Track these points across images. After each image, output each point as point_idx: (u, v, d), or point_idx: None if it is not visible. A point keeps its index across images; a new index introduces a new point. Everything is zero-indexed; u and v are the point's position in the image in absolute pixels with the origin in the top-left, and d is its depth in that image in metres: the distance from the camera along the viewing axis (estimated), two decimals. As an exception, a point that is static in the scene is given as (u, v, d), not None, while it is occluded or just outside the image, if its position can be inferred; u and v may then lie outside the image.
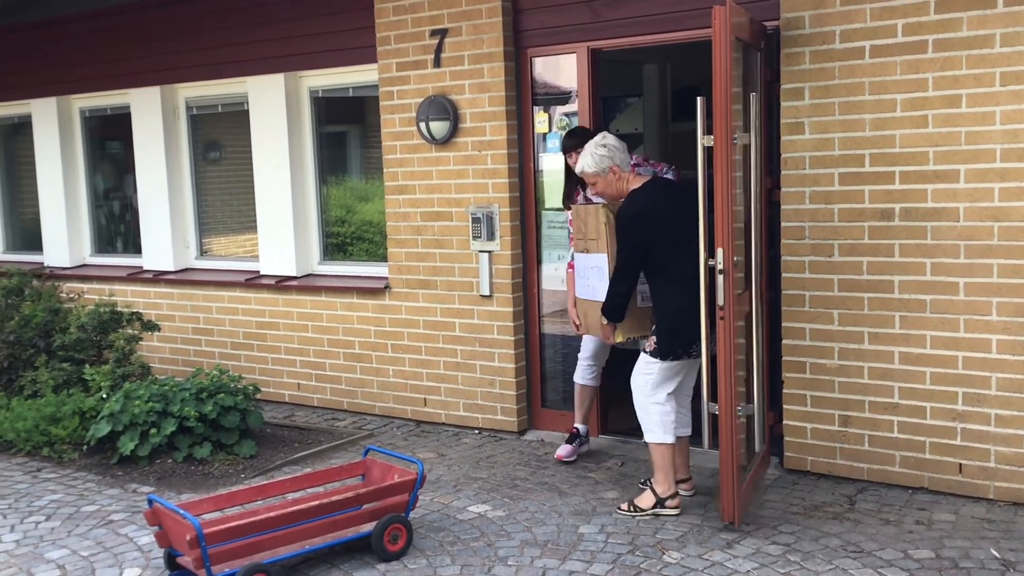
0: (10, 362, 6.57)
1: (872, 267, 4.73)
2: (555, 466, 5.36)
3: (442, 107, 5.90)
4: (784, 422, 5.05)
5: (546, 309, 6.02)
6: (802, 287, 4.91)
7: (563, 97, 5.82)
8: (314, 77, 6.76)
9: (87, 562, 4.32)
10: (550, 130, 5.82)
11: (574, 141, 5.09)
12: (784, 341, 4.99)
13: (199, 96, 7.41)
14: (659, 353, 4.49)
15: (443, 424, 6.22)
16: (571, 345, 6.01)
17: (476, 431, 6.07)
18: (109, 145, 8.33)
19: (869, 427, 4.80)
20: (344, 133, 7.20)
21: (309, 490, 4.64)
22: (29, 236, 8.78)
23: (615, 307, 4.55)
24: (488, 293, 5.91)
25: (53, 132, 8.09)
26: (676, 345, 4.46)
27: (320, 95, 6.83)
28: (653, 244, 4.43)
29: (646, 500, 4.56)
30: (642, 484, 4.78)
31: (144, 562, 4.29)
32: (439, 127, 5.93)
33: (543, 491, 4.96)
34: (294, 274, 6.89)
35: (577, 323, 5.08)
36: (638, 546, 4.21)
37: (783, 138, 4.89)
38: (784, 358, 5.00)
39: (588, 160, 4.53)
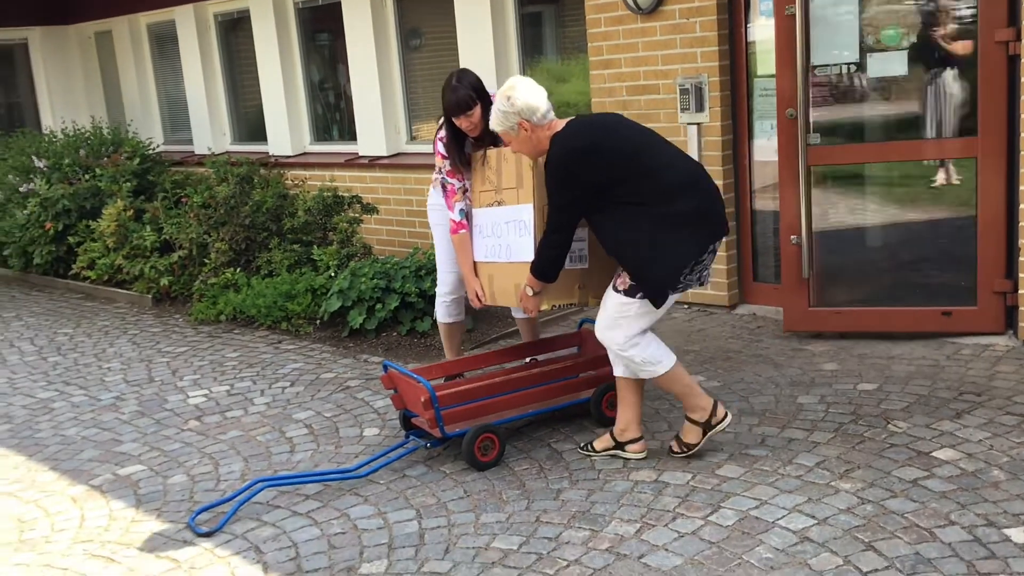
0: (247, 244, 7.09)
1: None
2: (769, 339, 5.31)
3: (648, -25, 5.74)
4: (1020, 292, 4.77)
5: (757, 183, 5.86)
6: (1044, 148, 4.55)
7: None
8: (515, -46, 6.72)
9: (330, 422, 4.71)
10: (762, -8, 5.56)
11: (462, 96, 4.21)
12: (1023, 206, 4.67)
13: (404, -19, 7.54)
14: (640, 292, 3.71)
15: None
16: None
17: (686, 306, 6.08)
18: (320, 37, 8.64)
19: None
20: (543, 12, 7.15)
21: (528, 359, 4.81)
22: (254, 128, 9.32)
23: (552, 261, 3.81)
24: (697, 166, 5.81)
25: (270, 25, 8.46)
26: (668, 283, 3.69)
27: (522, -28, 6.80)
28: (610, 183, 3.66)
29: (602, 442, 3.99)
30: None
31: (381, 423, 4.63)
32: (645, -4, 5.78)
33: (757, 363, 4.94)
34: (501, 154, 7.00)
35: (480, 294, 4.36)
36: (861, 416, 4.15)
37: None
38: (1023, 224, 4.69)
39: (493, 117, 3.84)
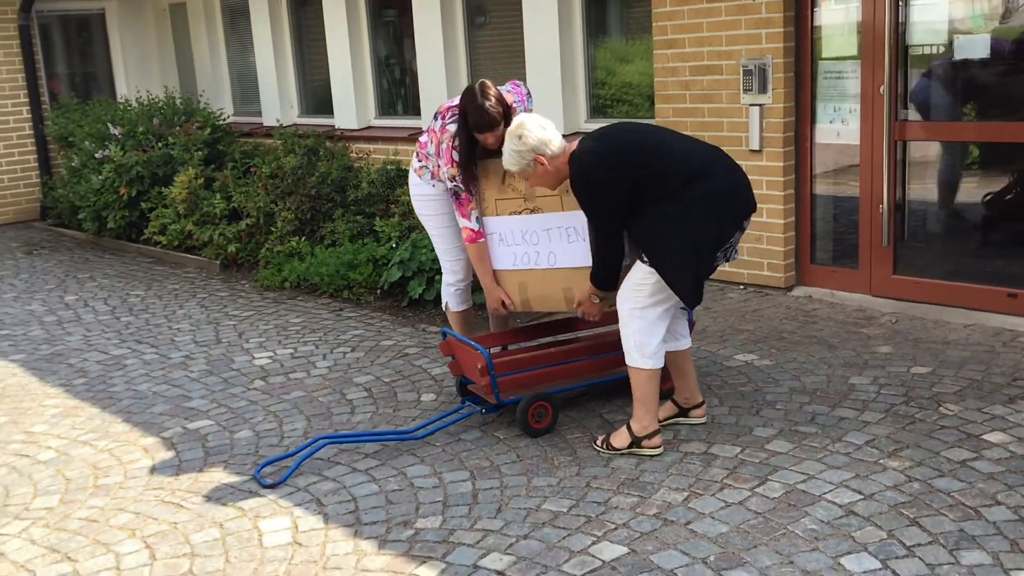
0: (312, 214, 7.28)
1: None
2: (823, 321, 5.34)
3: (715, -44, 5.76)
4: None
5: (818, 167, 5.87)
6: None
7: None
8: (583, -67, 6.77)
9: (389, 387, 4.86)
10: (830, -25, 5.55)
11: (493, 116, 4.09)
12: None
13: (472, -41, 7.62)
14: (655, 262, 3.72)
15: (708, 279, 6.28)
16: (844, 204, 5.87)
17: (741, 286, 6.11)
18: (388, 13, 8.77)
19: None
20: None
21: (580, 332, 4.90)
22: (321, 101, 9.50)
23: (612, 271, 3.84)
24: (758, 148, 5.84)
25: (340, 1, 8.61)
26: (701, 282, 3.75)
27: (589, -48, 6.84)
28: (633, 184, 3.67)
29: (620, 439, 3.86)
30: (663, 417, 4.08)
31: (437, 389, 4.76)
32: (711, -23, 5.80)
33: (811, 344, 4.98)
34: (563, 132, 7.07)
35: (507, 302, 4.36)
36: (913, 398, 4.17)
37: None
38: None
39: (507, 159, 3.86)
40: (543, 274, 4.26)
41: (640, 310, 3.77)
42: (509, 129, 3.87)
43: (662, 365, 3.84)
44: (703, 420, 4.08)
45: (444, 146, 4.27)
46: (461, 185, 4.28)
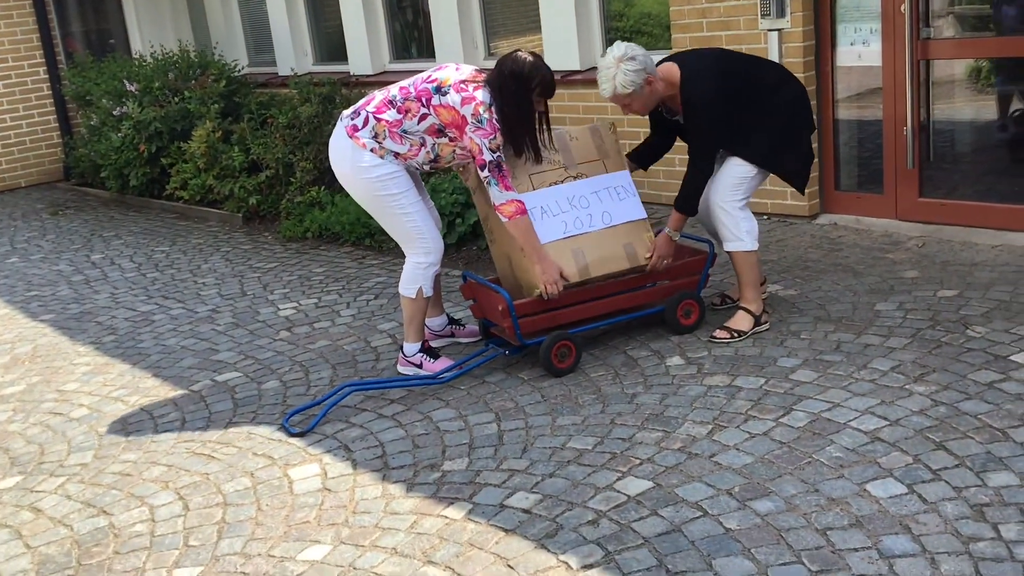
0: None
1: None
2: (849, 248, 5.27)
3: None
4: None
5: (841, 92, 5.75)
6: None
7: None
8: None
9: (413, 332, 4.87)
10: None
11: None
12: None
13: None
14: (759, 158, 4.19)
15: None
16: (868, 129, 5.76)
17: (765, 216, 6.04)
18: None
19: None
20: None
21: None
22: (334, 48, 9.41)
23: (699, 190, 4.20)
24: (777, 74, 5.71)
25: (348, -56, 8.48)
26: (776, 160, 4.24)
27: None
28: (739, 100, 4.12)
29: (744, 322, 4.26)
30: (719, 304, 4.60)
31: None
32: (724, -101, 5.64)
33: (836, 272, 4.93)
34: (578, 68, 6.98)
35: (557, 280, 4.07)
36: (939, 322, 4.13)
37: None
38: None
39: (621, 80, 4.01)
40: (599, 236, 4.22)
41: (740, 202, 4.22)
42: (613, 55, 4.04)
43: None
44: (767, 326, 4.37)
45: (485, 117, 3.93)
46: (503, 156, 4.02)
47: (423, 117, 4.03)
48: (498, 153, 3.98)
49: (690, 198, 4.22)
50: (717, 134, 4.16)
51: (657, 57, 6.44)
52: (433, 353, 4.36)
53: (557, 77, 6.93)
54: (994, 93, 5.49)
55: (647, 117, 4.46)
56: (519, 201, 4.02)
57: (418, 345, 4.33)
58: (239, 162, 7.68)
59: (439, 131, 4.05)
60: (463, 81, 4.02)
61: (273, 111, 7.90)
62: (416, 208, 4.17)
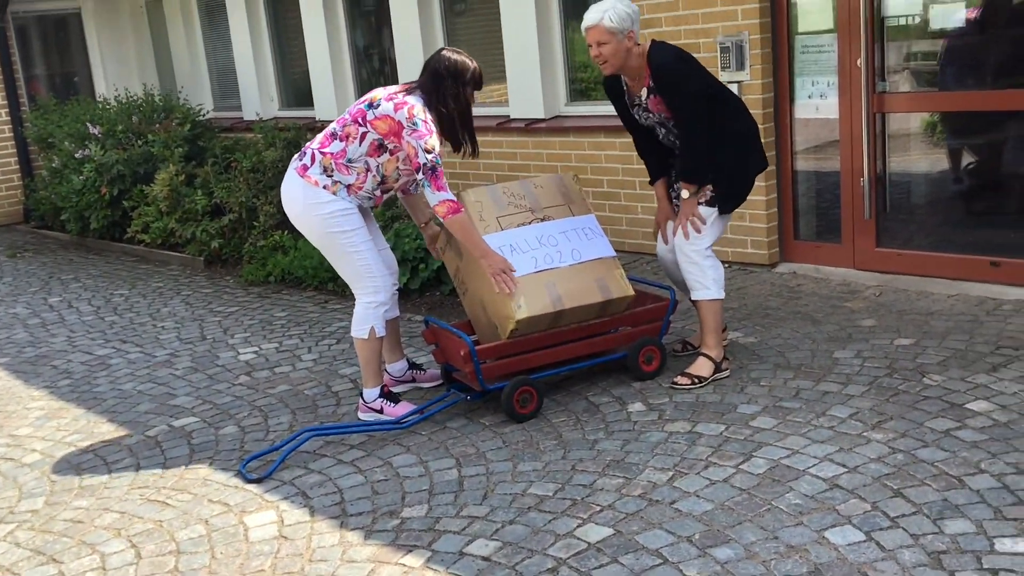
0: (294, 207, 7.24)
1: None
2: (808, 296, 5.34)
3: (688, -67, 5.73)
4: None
5: (799, 144, 5.86)
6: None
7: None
8: (557, -85, 6.73)
9: (374, 377, 4.84)
10: (803, -52, 5.52)
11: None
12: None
13: (446, -55, 7.58)
14: (718, 202, 4.25)
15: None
16: (826, 179, 5.86)
17: (726, 264, 6.10)
18: (364, 1, 8.72)
19: None
20: (585, -27, 7.15)
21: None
22: (300, 93, 9.46)
23: (703, 153, 4.17)
24: (738, 125, 5.81)
25: (315, -8, 8.56)
26: (735, 201, 4.30)
27: (563, -67, 6.80)
28: (709, 97, 4.14)
29: (705, 368, 4.27)
30: (680, 351, 4.63)
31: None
32: (685, -45, 5.77)
33: (796, 320, 4.98)
34: (542, 116, 7.06)
35: (505, 268, 4.08)
36: (896, 370, 4.18)
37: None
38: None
39: (612, 14, 4.01)
40: (570, 271, 4.25)
41: (707, 249, 4.26)
42: None
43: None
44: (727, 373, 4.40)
45: (420, 119, 4.00)
46: (439, 158, 4.03)
47: (363, 136, 4.07)
48: (433, 154, 4.00)
49: (699, 166, 4.20)
50: (698, 101, 4.08)
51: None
52: (393, 397, 4.34)
53: (521, 125, 7.06)
54: (947, 146, 5.63)
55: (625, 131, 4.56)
56: (452, 200, 4.04)
57: (377, 390, 4.30)
58: (202, 206, 7.65)
59: (380, 147, 4.08)
60: (393, 93, 4.14)
61: (237, 155, 7.90)
62: (367, 247, 4.19)
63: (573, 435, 3.91)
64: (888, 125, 5.52)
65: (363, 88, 8.82)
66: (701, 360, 4.30)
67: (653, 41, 4.18)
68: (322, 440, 4.12)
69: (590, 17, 4.06)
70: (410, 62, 7.91)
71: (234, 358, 5.38)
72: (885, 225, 5.59)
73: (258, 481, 3.80)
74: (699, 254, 4.25)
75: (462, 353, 4.10)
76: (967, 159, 5.60)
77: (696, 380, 4.24)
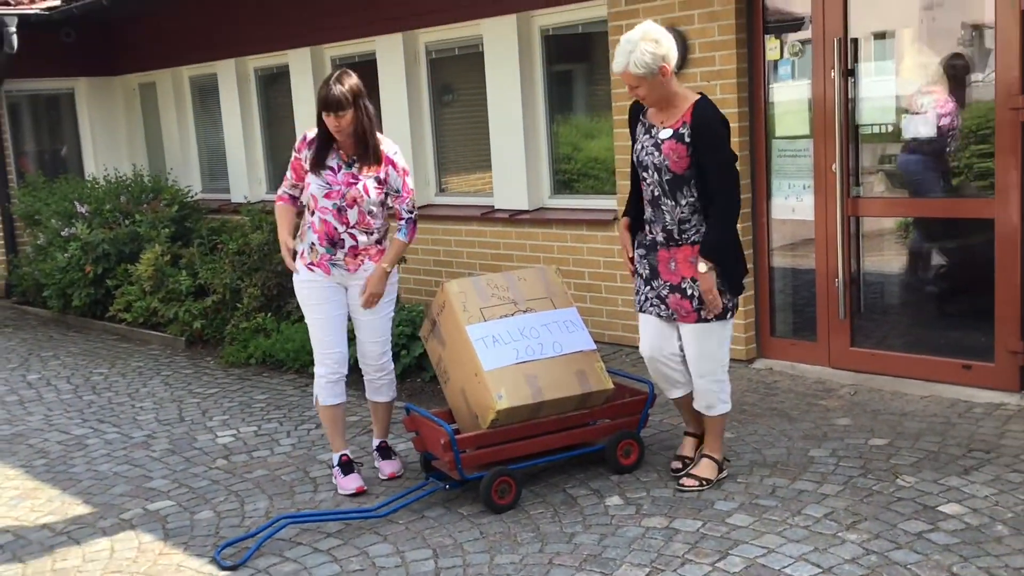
0: (278, 290, 7.29)
1: None
2: (784, 393, 5.41)
3: (671, 39, 5.94)
4: (1031, 352, 4.87)
5: (776, 242, 6.00)
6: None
7: (796, 23, 5.73)
8: (545, 15, 6.97)
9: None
10: (781, 57, 5.74)
11: (336, 93, 4.17)
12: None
13: (437, 40, 7.82)
14: (732, 307, 4.09)
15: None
16: (802, 278, 5.99)
17: (704, 359, 6.17)
18: (355, 91, 8.92)
19: None
20: (571, 72, 7.38)
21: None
22: (288, 178, 9.58)
23: (737, 217, 4.08)
24: (717, 223, 5.95)
25: (308, 80, 8.76)
26: (740, 287, 4.11)
27: (551, 33, 7.04)
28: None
29: (710, 470, 4.23)
30: (679, 469, 4.34)
31: (401, 465, 4.75)
32: (668, 59, 5.97)
33: (772, 416, 5.04)
34: (526, 208, 7.20)
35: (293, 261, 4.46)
36: (870, 470, 4.23)
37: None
38: (1033, 286, 4.79)
39: (637, 58, 3.83)
40: (551, 363, 4.32)
41: (724, 366, 4.19)
42: (640, 29, 3.89)
43: None
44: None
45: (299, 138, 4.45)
46: (293, 169, 4.45)
47: (289, 165, 4.46)
48: (299, 154, 4.41)
49: (734, 228, 4.05)
50: (732, 163, 3.98)
51: (601, 201, 6.73)
52: (347, 468, 4.49)
53: (505, 216, 7.20)
54: (920, 248, 5.78)
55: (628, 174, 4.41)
56: (279, 197, 4.57)
57: (335, 456, 4.55)
58: (186, 286, 7.69)
59: (299, 164, 4.41)
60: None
61: (223, 237, 7.98)
62: (320, 324, 4.46)
63: (551, 528, 3.92)
64: (863, 225, 5.67)
65: (350, 175, 8.95)
66: (705, 462, 4.26)
67: (703, 97, 4.01)
68: (298, 527, 4.11)
69: (618, 63, 3.90)
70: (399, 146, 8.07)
71: (212, 441, 5.37)
72: (859, 324, 5.70)
73: (233, 569, 3.78)
74: (723, 370, 4.18)
75: (442, 442, 4.13)
76: (938, 261, 5.75)
77: (703, 482, 4.18)
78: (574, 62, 7.32)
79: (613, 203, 6.60)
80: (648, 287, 4.20)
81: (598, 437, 4.48)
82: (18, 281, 9.88)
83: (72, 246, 8.53)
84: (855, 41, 5.44)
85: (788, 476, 4.24)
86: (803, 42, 5.66)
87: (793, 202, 5.81)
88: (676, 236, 4.05)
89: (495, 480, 4.11)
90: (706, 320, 4.05)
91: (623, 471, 4.41)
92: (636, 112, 4.20)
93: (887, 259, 5.85)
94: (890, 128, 5.47)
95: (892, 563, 3.40)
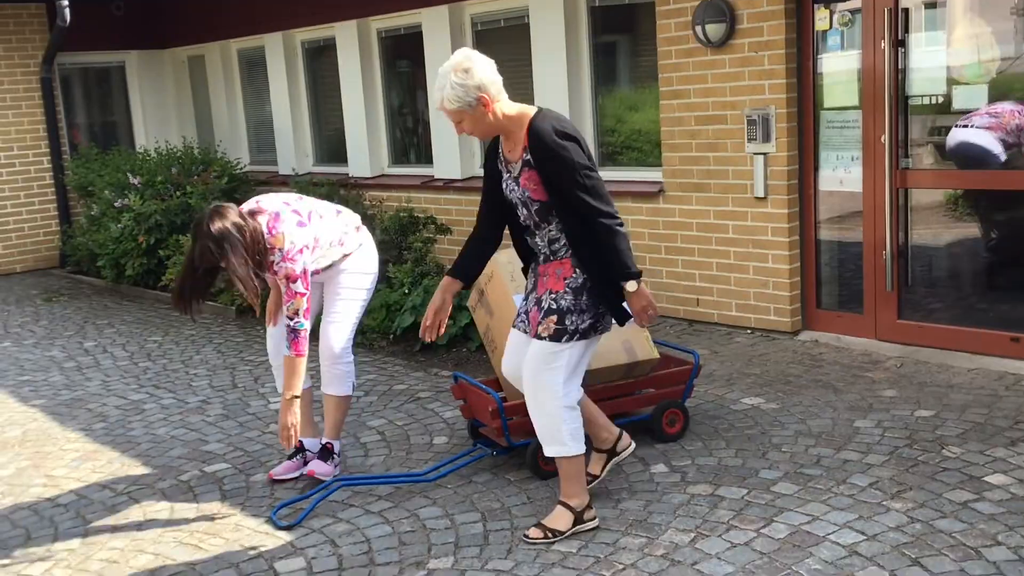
0: (326, 261, 7.41)
1: None
2: (829, 365, 5.42)
3: (719, 9, 5.93)
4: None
5: (823, 214, 5.99)
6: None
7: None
8: (591, -13, 6.97)
9: (402, 430, 4.95)
10: (830, 27, 5.71)
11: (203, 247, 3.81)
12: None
13: (483, 12, 7.84)
14: (573, 331, 3.54)
15: (715, 324, 6.40)
16: (849, 250, 5.98)
17: (748, 331, 6.20)
18: (401, 64, 8.99)
19: None
20: (616, 43, 7.38)
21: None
22: (335, 150, 9.70)
23: (627, 238, 3.52)
24: (763, 195, 5.96)
25: (354, 53, 8.84)
26: (603, 315, 3.60)
27: (596, 4, 7.03)
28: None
29: (563, 520, 3.64)
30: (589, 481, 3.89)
31: (449, 432, 4.85)
32: (715, 29, 5.97)
33: (817, 388, 5.06)
34: (572, 180, 7.21)
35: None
36: (916, 441, 4.24)
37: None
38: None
39: (448, 95, 3.43)
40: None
41: (563, 394, 3.58)
42: (452, 61, 3.47)
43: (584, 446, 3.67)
44: (632, 447, 3.96)
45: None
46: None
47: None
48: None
49: (628, 258, 3.48)
50: (593, 173, 3.45)
51: (646, 173, 6.74)
52: (325, 455, 4.39)
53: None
54: (970, 221, 5.74)
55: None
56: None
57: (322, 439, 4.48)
58: (236, 257, 7.81)
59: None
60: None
61: (272, 208, 8.08)
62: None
63: (597, 491, 3.99)
64: (911, 198, 5.64)
65: (396, 148, 9.05)
66: (559, 511, 3.66)
67: (539, 109, 3.57)
68: (350, 490, 4.22)
69: (434, 98, 3.53)
70: (442, 123, 8.13)
71: (264, 407, 5.50)
72: (907, 297, 5.68)
73: (288, 528, 3.90)
74: (558, 404, 3.57)
75: (490, 409, 4.21)
76: (988, 234, 5.71)
77: (550, 534, 3.61)
78: (620, 33, 7.31)
79: (658, 175, 6.61)
80: (524, 303, 3.84)
81: (644, 406, 4.54)
82: (72, 251, 10.11)
83: (125, 217, 8.71)
84: (906, 11, 5.40)
85: (833, 446, 4.27)
86: (853, 12, 5.61)
87: (841, 174, 5.79)
88: (549, 255, 3.65)
89: (541, 447, 4.17)
90: (539, 337, 3.56)
91: (668, 440, 4.46)
92: (494, 148, 3.73)
93: (935, 231, 5.82)
94: (941, 99, 5.43)
95: (937, 531, 3.43)
